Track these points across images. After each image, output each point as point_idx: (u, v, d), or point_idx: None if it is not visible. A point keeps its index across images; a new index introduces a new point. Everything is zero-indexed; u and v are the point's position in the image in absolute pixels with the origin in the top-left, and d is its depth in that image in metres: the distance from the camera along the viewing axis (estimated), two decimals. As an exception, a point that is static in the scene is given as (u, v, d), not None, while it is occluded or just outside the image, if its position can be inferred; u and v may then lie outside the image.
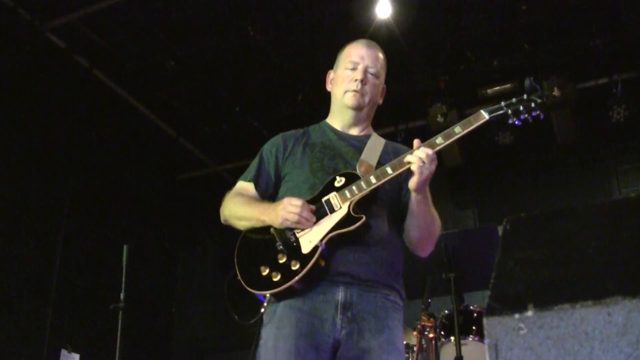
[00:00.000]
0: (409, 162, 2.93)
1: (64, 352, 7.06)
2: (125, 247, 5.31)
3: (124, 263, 5.24)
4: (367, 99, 3.31)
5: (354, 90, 3.27)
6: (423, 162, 2.89)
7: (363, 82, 3.27)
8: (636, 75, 8.07)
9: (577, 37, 7.80)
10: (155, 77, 8.48)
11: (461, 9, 7.56)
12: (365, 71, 3.29)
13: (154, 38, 7.79)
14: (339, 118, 3.39)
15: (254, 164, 3.38)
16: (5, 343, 7.09)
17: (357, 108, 3.30)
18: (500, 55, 8.10)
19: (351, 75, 3.30)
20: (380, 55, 3.40)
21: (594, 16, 7.52)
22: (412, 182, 2.94)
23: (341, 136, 3.35)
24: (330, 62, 3.48)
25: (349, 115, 3.34)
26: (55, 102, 8.03)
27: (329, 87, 3.46)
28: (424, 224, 3.12)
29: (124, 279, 5.21)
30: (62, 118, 8.18)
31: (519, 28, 7.72)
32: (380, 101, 3.43)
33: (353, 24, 7.17)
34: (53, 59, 7.78)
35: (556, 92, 7.66)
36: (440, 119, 8.17)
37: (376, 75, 3.33)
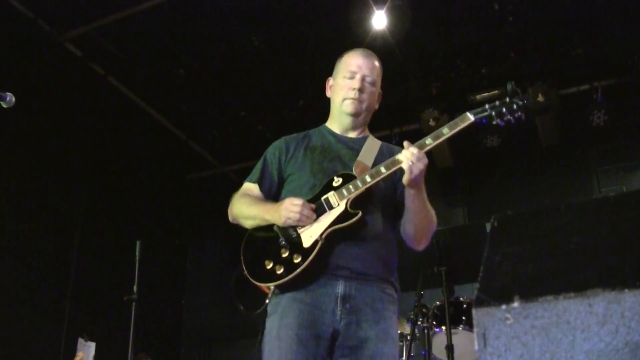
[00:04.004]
0: (399, 161, 2.94)
1: (80, 340, 7.04)
2: (138, 242, 5.30)
3: (137, 257, 5.24)
4: (364, 105, 3.30)
5: (352, 98, 3.27)
6: (411, 160, 2.90)
7: (361, 90, 3.27)
8: (615, 82, 8.07)
9: (559, 47, 7.80)
10: (166, 83, 8.48)
11: (452, 20, 7.56)
12: (363, 80, 3.28)
13: (165, 47, 7.79)
14: (337, 123, 3.39)
15: (258, 166, 3.39)
16: (26, 332, 7.10)
17: (355, 114, 3.30)
18: (488, 64, 8.10)
19: (349, 84, 3.28)
20: (377, 64, 3.38)
21: (575, 27, 7.52)
22: (404, 179, 2.96)
23: (339, 139, 3.35)
24: (329, 70, 3.46)
25: (347, 120, 3.34)
26: (73, 107, 8.03)
27: (328, 94, 3.45)
28: (418, 219, 3.12)
29: (136, 273, 5.21)
30: (79, 122, 8.18)
31: (506, 38, 7.72)
32: (377, 106, 3.42)
33: (351, 35, 7.17)
34: (70, 67, 7.79)
35: (540, 98, 7.66)
36: (432, 123, 8.17)
37: (372, 83, 3.32)
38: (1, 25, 7.04)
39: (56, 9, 7.18)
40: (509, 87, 3.01)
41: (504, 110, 2.99)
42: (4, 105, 3.19)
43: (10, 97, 3.19)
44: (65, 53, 7.67)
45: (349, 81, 3.30)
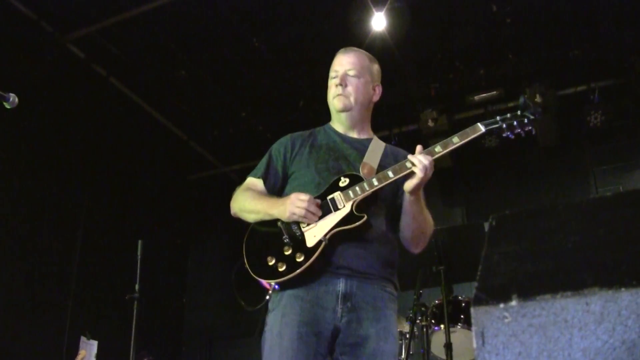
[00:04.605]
0: (411, 166, 2.94)
1: (83, 338, 7.05)
2: (139, 242, 5.31)
3: (139, 257, 5.25)
4: (352, 99, 3.30)
5: (337, 95, 3.29)
6: (426, 168, 2.91)
7: (342, 85, 3.28)
8: (612, 83, 8.08)
9: (557, 48, 7.81)
10: (168, 84, 8.48)
11: (450, 22, 7.56)
12: (344, 76, 3.30)
13: (167, 49, 7.79)
14: (337, 122, 3.40)
15: (263, 161, 3.38)
16: (29, 330, 7.10)
17: (345, 110, 3.31)
18: (486, 65, 8.10)
19: (333, 82, 3.33)
20: (360, 57, 3.40)
21: (572, 28, 7.52)
22: (409, 185, 2.95)
23: (344, 139, 3.35)
24: (328, 72, 3.47)
25: (342, 118, 3.34)
26: (75, 108, 8.04)
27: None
28: (416, 224, 3.12)
29: (138, 272, 5.21)
30: (82, 123, 8.18)
31: (504, 39, 7.72)
32: (375, 98, 3.42)
33: (350, 36, 7.15)
34: (73, 68, 7.79)
35: (538, 99, 7.66)
36: (431, 123, 8.17)
37: (357, 76, 3.32)
38: (4, 26, 7.04)
39: (59, 10, 7.18)
40: (521, 100, 3.02)
41: (515, 123, 3.00)
42: (7, 106, 3.19)
43: (14, 98, 3.19)
44: (68, 54, 7.67)
45: (333, 80, 3.34)
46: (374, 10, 7.08)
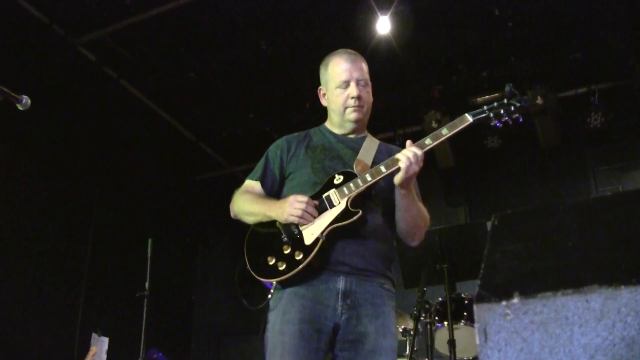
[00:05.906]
0: (398, 160, 2.94)
1: (94, 335, 7.06)
2: (149, 240, 5.33)
3: (149, 255, 5.27)
4: (365, 108, 3.31)
5: (354, 106, 3.26)
6: (410, 161, 2.90)
7: (359, 97, 3.26)
8: (612, 85, 8.06)
9: (558, 51, 7.79)
10: (177, 86, 8.49)
11: (453, 25, 7.55)
12: (357, 85, 3.26)
13: (176, 51, 7.80)
14: (339, 127, 3.37)
15: (260, 164, 3.38)
16: (41, 328, 7.12)
17: (359, 121, 3.30)
18: (488, 67, 8.08)
19: (346, 93, 3.26)
20: (363, 63, 3.36)
21: (573, 32, 7.51)
22: (398, 178, 2.96)
23: (340, 139, 3.35)
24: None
25: (352, 126, 3.33)
26: (86, 110, 8.05)
27: (324, 103, 3.42)
28: (409, 217, 3.12)
29: (148, 270, 5.23)
30: (92, 124, 8.20)
31: (506, 43, 7.71)
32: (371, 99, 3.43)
33: (356, 39, 7.15)
34: (84, 71, 7.80)
35: (539, 101, 7.65)
36: (434, 125, 8.15)
37: (365, 84, 3.31)
38: (18, 30, 7.06)
39: (70, 14, 7.19)
40: (507, 89, 3.01)
41: (501, 112, 2.99)
42: (20, 108, 3.20)
43: (26, 100, 3.20)
44: (79, 57, 7.68)
45: (345, 90, 3.27)
46: (378, 13, 7.08)
